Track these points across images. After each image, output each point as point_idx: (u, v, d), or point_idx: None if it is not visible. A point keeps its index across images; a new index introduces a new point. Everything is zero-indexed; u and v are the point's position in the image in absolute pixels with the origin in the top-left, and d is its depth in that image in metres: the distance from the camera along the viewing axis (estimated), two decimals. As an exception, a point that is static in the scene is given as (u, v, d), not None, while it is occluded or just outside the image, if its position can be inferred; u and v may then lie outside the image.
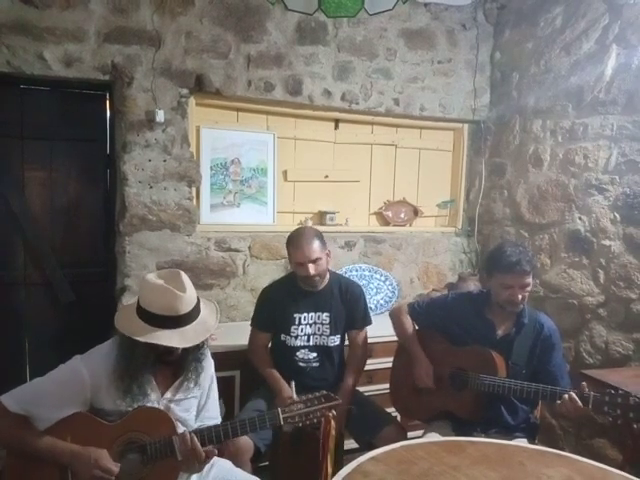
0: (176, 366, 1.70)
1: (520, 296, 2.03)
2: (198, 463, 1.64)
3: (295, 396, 2.10)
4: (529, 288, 2.05)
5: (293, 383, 2.16)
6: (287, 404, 1.76)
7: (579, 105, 2.91)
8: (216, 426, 1.69)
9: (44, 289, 2.88)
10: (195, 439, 1.60)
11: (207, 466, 1.75)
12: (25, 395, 1.60)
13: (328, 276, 2.40)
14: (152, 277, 1.65)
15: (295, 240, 2.30)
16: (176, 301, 1.59)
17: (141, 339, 1.57)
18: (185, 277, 1.67)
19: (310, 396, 1.75)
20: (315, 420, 1.74)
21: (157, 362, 1.65)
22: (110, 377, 1.62)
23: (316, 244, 2.26)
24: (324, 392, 1.76)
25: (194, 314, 1.65)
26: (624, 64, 2.67)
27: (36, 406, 1.58)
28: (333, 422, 1.90)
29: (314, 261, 2.25)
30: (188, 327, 1.62)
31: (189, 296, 1.63)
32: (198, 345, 1.68)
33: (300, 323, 2.35)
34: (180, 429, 1.68)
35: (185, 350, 1.65)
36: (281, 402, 2.15)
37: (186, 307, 1.61)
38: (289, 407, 1.72)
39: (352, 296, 2.41)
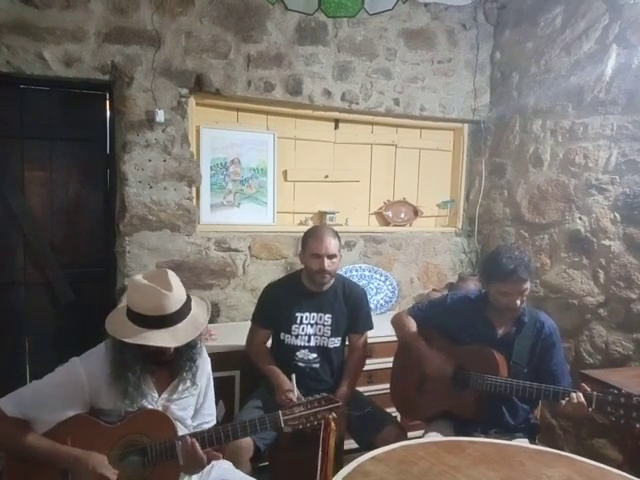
0: (172, 366, 1.70)
1: (518, 302, 2.02)
2: (200, 467, 1.64)
3: (296, 389, 2.11)
4: (527, 292, 2.04)
5: (294, 376, 2.16)
6: (288, 406, 1.77)
7: (579, 105, 2.91)
8: (217, 428, 1.69)
9: (44, 289, 2.88)
10: (196, 444, 1.59)
11: (207, 467, 1.76)
12: (23, 399, 1.59)
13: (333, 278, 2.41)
14: (138, 278, 1.63)
15: (317, 232, 2.34)
16: (162, 300, 1.57)
17: (129, 340, 1.56)
18: (172, 275, 1.64)
19: (311, 398, 1.75)
20: (316, 422, 1.74)
21: (150, 363, 1.64)
22: (107, 378, 1.62)
23: (336, 242, 2.32)
24: (324, 394, 1.76)
25: (184, 312, 1.63)
26: (624, 64, 2.67)
27: (35, 409, 1.57)
28: (334, 424, 1.90)
29: (331, 256, 2.28)
30: (178, 326, 1.60)
31: (176, 294, 1.61)
32: (191, 344, 1.66)
33: (302, 322, 2.35)
34: (180, 430, 1.68)
35: (178, 349, 1.63)
36: (281, 395, 2.16)
37: (174, 306, 1.59)
38: (290, 409, 1.73)
39: (355, 299, 2.41)
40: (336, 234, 2.36)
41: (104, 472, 1.54)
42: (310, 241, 2.32)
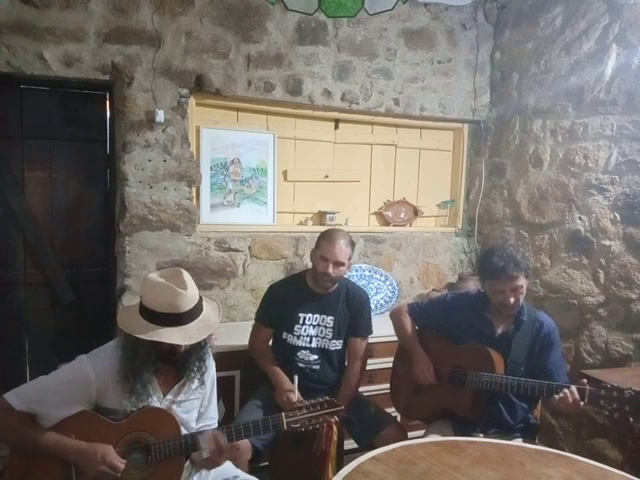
0: (179, 366, 1.70)
1: (512, 299, 2.03)
2: (223, 460, 1.69)
3: (297, 391, 2.11)
4: (522, 290, 2.04)
5: (296, 378, 2.16)
6: (289, 408, 1.78)
7: (579, 105, 2.91)
8: (220, 429, 1.70)
9: (44, 289, 2.88)
10: (221, 437, 1.65)
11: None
12: (30, 394, 1.60)
13: None
14: (154, 276, 1.66)
15: (331, 235, 2.32)
16: (177, 298, 1.60)
17: (143, 337, 1.57)
18: (187, 275, 1.67)
19: (314, 401, 1.76)
20: (318, 426, 1.75)
21: (160, 361, 1.65)
22: (115, 377, 1.62)
23: (348, 251, 2.31)
24: (327, 398, 1.77)
25: (196, 312, 1.65)
26: (624, 64, 2.67)
27: (41, 405, 1.58)
28: (335, 428, 1.90)
29: (337, 263, 2.27)
30: (190, 324, 1.62)
31: (190, 293, 1.63)
32: (200, 344, 1.68)
33: (304, 323, 2.35)
34: (182, 430, 1.68)
35: (187, 349, 1.65)
36: (280, 395, 2.17)
37: (188, 304, 1.62)
38: (293, 412, 1.73)
39: (358, 302, 2.41)
40: (351, 243, 2.34)
41: (112, 460, 1.55)
42: (323, 243, 2.32)
